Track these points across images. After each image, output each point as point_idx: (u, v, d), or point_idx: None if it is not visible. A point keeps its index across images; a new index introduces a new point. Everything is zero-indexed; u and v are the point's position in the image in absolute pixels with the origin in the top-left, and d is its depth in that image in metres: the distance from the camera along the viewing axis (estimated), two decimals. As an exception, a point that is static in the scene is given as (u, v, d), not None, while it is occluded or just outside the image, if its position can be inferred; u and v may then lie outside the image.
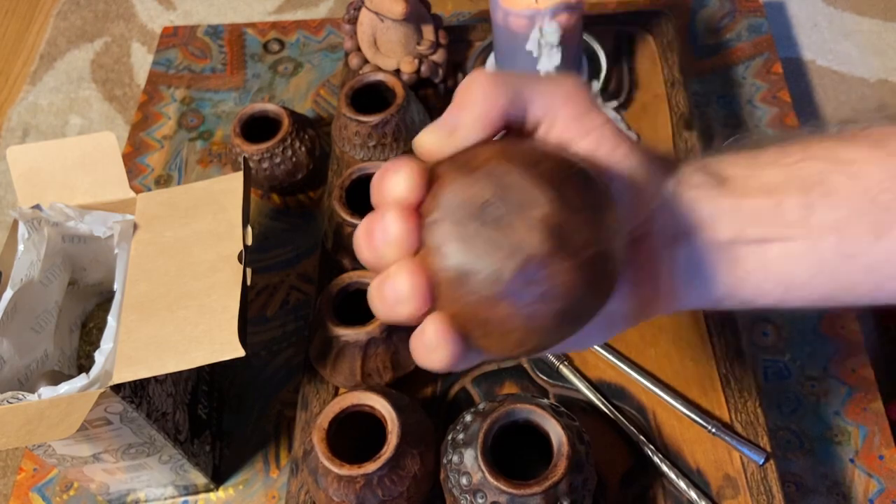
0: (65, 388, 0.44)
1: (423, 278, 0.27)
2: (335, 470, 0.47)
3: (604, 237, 0.27)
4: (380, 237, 0.27)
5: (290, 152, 0.68)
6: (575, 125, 0.30)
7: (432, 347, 0.27)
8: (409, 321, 0.28)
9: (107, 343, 0.47)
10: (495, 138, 0.30)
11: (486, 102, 0.29)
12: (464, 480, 0.47)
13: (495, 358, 0.30)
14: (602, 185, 0.28)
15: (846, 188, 0.31)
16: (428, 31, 0.73)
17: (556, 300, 0.26)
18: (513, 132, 0.31)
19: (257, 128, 0.69)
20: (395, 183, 0.27)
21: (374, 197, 0.28)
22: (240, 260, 0.49)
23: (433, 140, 0.29)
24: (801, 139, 0.33)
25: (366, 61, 0.75)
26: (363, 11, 0.72)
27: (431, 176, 0.28)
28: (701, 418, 0.55)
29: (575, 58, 0.70)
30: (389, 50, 0.73)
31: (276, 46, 0.86)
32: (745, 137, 0.74)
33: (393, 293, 0.27)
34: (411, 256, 0.27)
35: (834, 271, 0.32)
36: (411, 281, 0.27)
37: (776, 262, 0.32)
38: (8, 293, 0.49)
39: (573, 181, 0.27)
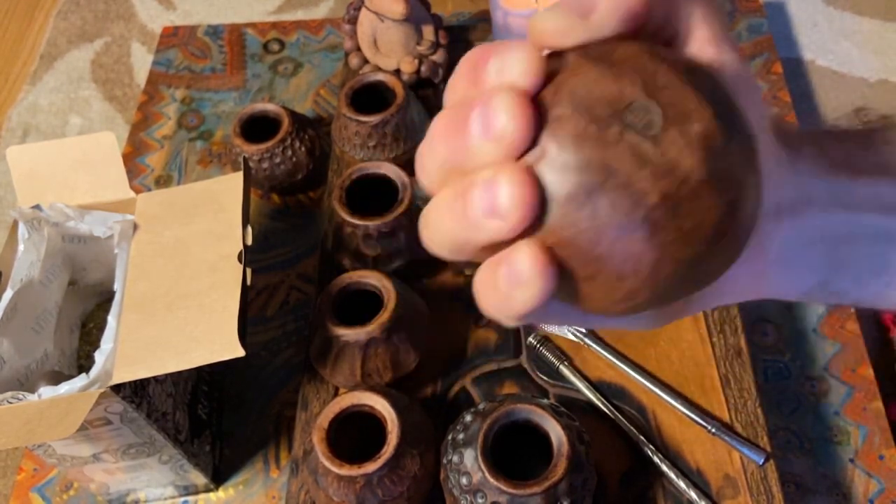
0: (65, 388, 0.44)
1: (533, 187, 0.20)
2: (335, 470, 0.47)
3: (754, 180, 0.22)
4: (478, 128, 0.20)
5: (290, 152, 0.68)
6: (710, 49, 0.24)
7: (521, 282, 0.21)
8: (486, 244, 0.21)
9: (107, 343, 0.47)
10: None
11: None
12: (464, 480, 0.47)
13: (582, 312, 0.24)
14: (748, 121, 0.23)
15: None
16: (428, 31, 0.73)
17: (696, 243, 0.21)
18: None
19: (257, 128, 0.69)
20: (508, 62, 0.21)
21: (463, 84, 0.22)
22: (240, 260, 0.49)
23: (559, 22, 0.22)
24: None
25: (366, 61, 0.75)
26: (363, 11, 0.72)
27: (550, 69, 0.21)
28: (701, 418, 0.55)
29: (575, 58, 0.70)
30: (389, 50, 0.73)
31: (276, 46, 0.86)
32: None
33: (485, 201, 0.20)
34: (514, 160, 0.21)
35: None
36: (517, 188, 0.20)
37: (885, 251, 0.28)
38: (8, 293, 0.49)
39: (727, 101, 0.22)
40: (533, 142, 0.21)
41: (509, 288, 0.21)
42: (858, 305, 0.31)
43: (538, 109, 0.21)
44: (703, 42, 0.24)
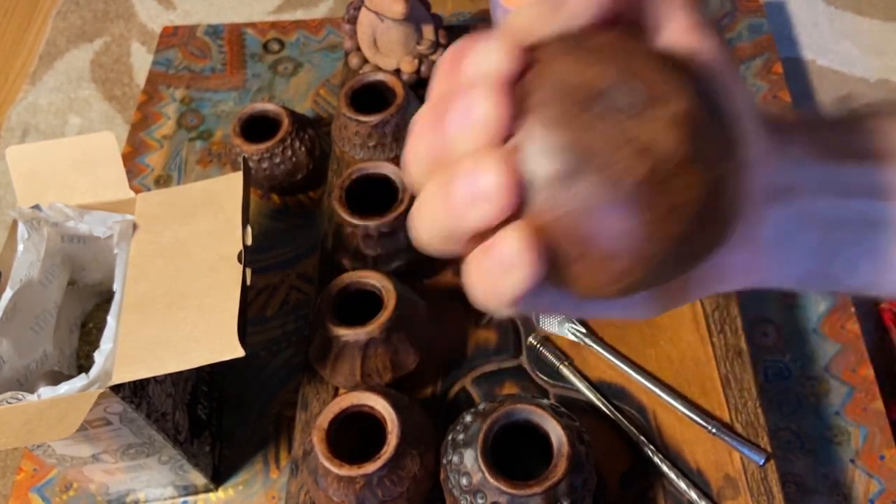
0: (64, 388, 0.44)
1: (514, 170, 0.20)
2: (335, 470, 0.47)
3: (737, 159, 0.22)
4: (458, 118, 0.21)
5: (289, 152, 0.68)
6: (688, 37, 0.24)
7: (509, 266, 0.21)
8: (472, 231, 0.22)
9: (106, 343, 0.47)
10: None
11: None
12: (464, 481, 0.47)
13: (575, 296, 0.24)
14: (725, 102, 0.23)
15: None
16: (428, 31, 0.73)
17: (682, 221, 0.21)
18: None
19: (257, 128, 0.69)
20: (485, 53, 0.21)
21: (443, 79, 0.22)
22: (240, 260, 0.49)
23: (533, 15, 0.22)
24: None
25: (366, 61, 0.75)
26: (363, 11, 0.72)
27: (529, 60, 0.22)
28: (701, 418, 0.55)
29: (575, 58, 0.70)
30: (389, 50, 0.73)
31: (275, 46, 0.86)
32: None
33: (469, 188, 0.21)
34: (497, 147, 0.21)
35: None
36: (499, 173, 0.20)
37: (875, 237, 0.28)
38: (8, 293, 0.49)
39: (705, 85, 0.22)
40: (514, 128, 0.21)
41: (498, 272, 0.21)
42: (855, 293, 0.31)
43: (518, 96, 0.21)
44: (680, 31, 0.24)
